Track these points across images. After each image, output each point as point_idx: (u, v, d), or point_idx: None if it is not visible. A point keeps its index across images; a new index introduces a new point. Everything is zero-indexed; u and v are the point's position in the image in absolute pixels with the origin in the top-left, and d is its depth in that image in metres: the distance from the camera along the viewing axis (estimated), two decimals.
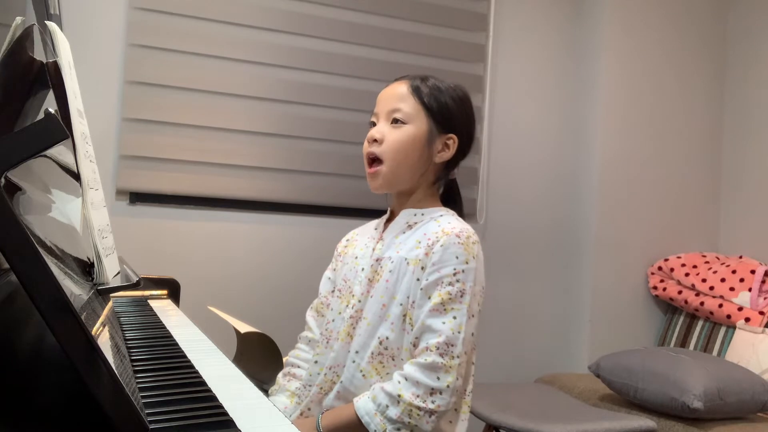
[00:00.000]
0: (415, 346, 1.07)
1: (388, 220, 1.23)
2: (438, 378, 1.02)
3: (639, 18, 2.62)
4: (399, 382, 1.03)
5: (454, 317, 1.04)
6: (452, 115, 1.17)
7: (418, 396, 1.01)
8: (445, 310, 1.05)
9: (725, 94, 2.79)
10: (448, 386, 1.02)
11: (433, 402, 1.01)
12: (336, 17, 2.28)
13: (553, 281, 2.62)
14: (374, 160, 1.16)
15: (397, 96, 1.16)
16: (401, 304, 1.10)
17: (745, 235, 2.66)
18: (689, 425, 1.85)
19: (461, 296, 1.06)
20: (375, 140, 1.14)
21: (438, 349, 1.02)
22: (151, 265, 1.81)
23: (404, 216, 1.18)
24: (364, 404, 1.04)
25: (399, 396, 1.01)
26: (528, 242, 2.59)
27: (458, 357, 1.03)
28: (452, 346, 1.03)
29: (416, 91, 1.15)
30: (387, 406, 1.02)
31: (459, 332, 1.04)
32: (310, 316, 1.31)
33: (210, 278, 2.09)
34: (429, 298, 1.07)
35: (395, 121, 1.14)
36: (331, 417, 1.08)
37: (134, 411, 0.47)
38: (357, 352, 1.11)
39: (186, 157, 2.08)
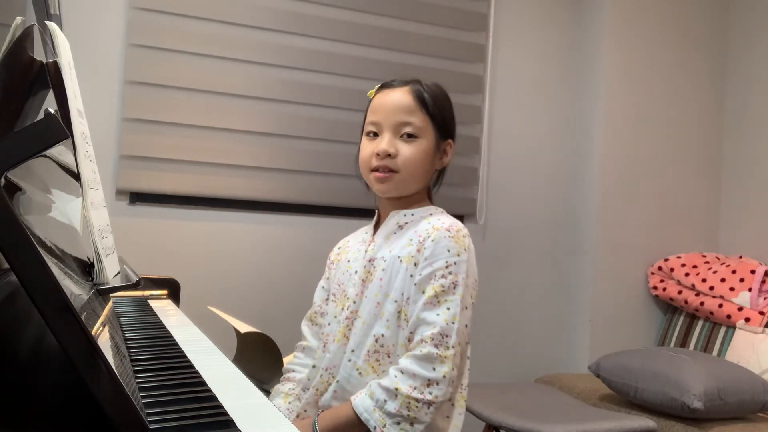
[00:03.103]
0: (410, 341, 1.08)
1: (378, 223, 1.24)
2: (434, 369, 1.02)
3: (639, 18, 2.62)
4: (395, 376, 1.03)
5: (448, 308, 1.05)
6: (450, 121, 1.20)
7: (415, 388, 1.01)
8: (438, 302, 1.06)
9: (725, 94, 2.79)
10: (444, 376, 1.02)
11: (430, 393, 1.02)
12: (336, 17, 2.28)
13: (553, 281, 2.62)
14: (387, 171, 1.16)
15: (404, 108, 1.15)
16: (395, 301, 1.10)
17: (745, 235, 2.66)
18: (689, 425, 1.85)
19: (454, 288, 1.07)
20: (389, 155, 1.14)
21: (433, 340, 1.03)
22: (151, 265, 1.82)
23: (395, 217, 1.19)
24: (361, 401, 1.04)
25: (396, 389, 1.02)
26: (528, 242, 2.59)
27: (453, 347, 1.04)
28: (447, 336, 1.04)
29: (422, 102, 1.15)
30: (385, 401, 1.02)
31: (453, 323, 1.05)
32: (304, 326, 1.32)
33: (210, 278, 2.09)
34: (423, 292, 1.08)
35: (407, 135, 1.14)
36: (327, 417, 1.08)
37: (134, 411, 0.47)
38: (353, 350, 1.12)
39: (186, 157, 2.08)
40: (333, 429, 1.06)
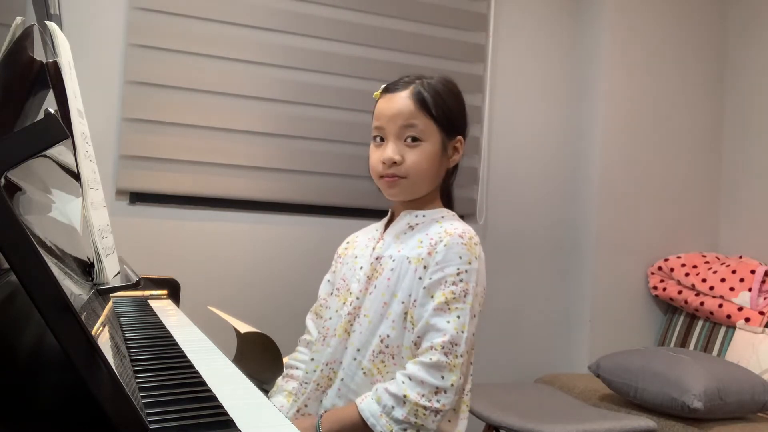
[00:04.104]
0: (416, 345, 1.07)
1: (389, 221, 1.24)
2: (442, 377, 1.02)
3: (639, 18, 2.62)
4: (403, 382, 1.03)
5: (458, 316, 1.05)
6: (456, 119, 1.19)
7: (423, 395, 1.01)
8: (449, 309, 1.06)
9: (725, 94, 2.79)
10: (452, 385, 1.03)
11: (438, 401, 1.02)
12: (336, 17, 2.28)
13: (553, 281, 2.62)
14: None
15: (405, 112, 1.14)
16: (402, 302, 1.10)
17: (745, 235, 2.66)
18: (689, 425, 1.85)
19: (464, 296, 1.07)
20: (394, 162, 1.13)
21: (443, 348, 1.03)
22: (151, 265, 1.81)
23: (405, 217, 1.19)
24: (368, 406, 1.04)
25: (404, 396, 1.01)
26: (528, 242, 2.59)
27: (461, 356, 1.04)
28: (456, 345, 1.04)
29: (423, 105, 1.14)
30: (392, 407, 1.02)
31: (462, 332, 1.05)
32: (309, 320, 1.32)
33: (210, 278, 2.09)
34: (432, 297, 1.07)
35: (411, 139, 1.14)
36: (332, 419, 1.07)
37: (134, 411, 0.47)
38: (358, 350, 1.11)
39: (186, 157, 2.08)
40: (337, 427, 1.06)
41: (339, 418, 1.07)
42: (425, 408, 1.01)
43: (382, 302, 1.12)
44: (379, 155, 1.16)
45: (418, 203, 1.20)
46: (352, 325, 1.14)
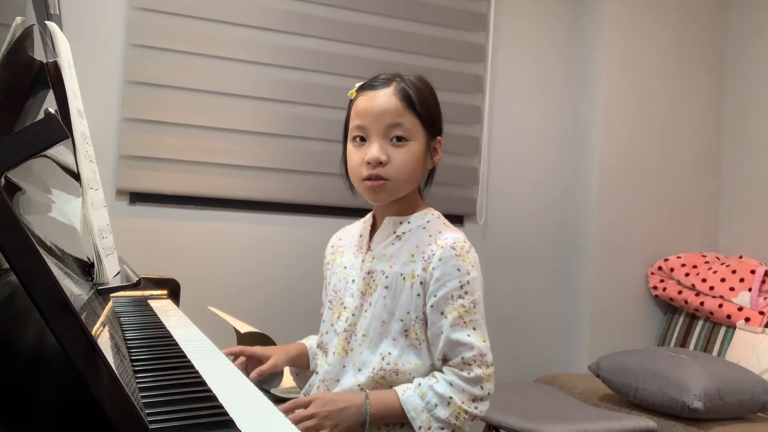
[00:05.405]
0: (444, 360, 1.08)
1: (372, 225, 1.21)
2: (482, 387, 1.06)
3: (639, 18, 2.62)
4: (451, 384, 1.05)
5: (474, 328, 1.07)
6: (437, 118, 1.16)
7: (464, 402, 1.05)
8: (464, 323, 1.06)
9: (725, 94, 2.79)
10: (488, 393, 1.07)
11: (476, 408, 1.06)
12: (336, 17, 2.28)
13: (553, 281, 2.62)
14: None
15: (392, 111, 1.09)
16: (401, 320, 1.09)
17: (745, 235, 2.66)
18: (689, 425, 1.85)
19: (474, 306, 1.08)
20: (380, 163, 1.08)
21: (476, 361, 1.06)
22: (151, 265, 1.81)
23: (390, 224, 1.16)
24: (410, 400, 1.05)
25: (450, 398, 1.04)
26: (528, 242, 2.59)
27: (492, 364, 1.08)
28: (484, 355, 1.07)
29: (410, 104, 1.10)
30: (436, 405, 1.04)
31: (485, 341, 1.08)
32: None
33: (210, 278, 2.09)
34: (442, 313, 1.07)
35: (396, 138, 1.09)
36: (378, 401, 1.06)
37: (134, 411, 0.47)
38: (360, 370, 1.11)
39: (186, 157, 2.08)
40: (381, 412, 1.06)
41: (384, 403, 1.07)
42: (466, 412, 1.04)
43: (381, 321, 1.11)
44: (361, 156, 1.10)
45: (401, 207, 1.16)
46: (349, 342, 1.13)
